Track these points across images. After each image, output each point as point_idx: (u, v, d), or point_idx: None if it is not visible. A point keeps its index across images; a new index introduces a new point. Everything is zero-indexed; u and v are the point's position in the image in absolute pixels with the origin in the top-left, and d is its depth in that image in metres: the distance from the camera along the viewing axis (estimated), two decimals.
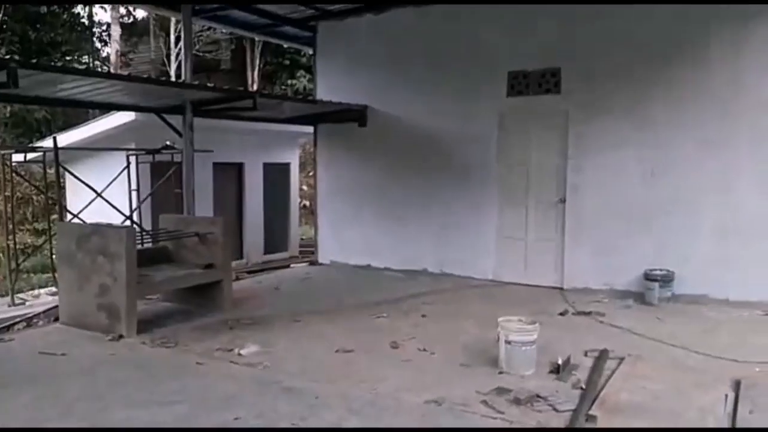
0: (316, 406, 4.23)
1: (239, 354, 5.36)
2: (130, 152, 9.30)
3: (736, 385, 4.59)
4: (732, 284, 7.00)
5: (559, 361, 4.97)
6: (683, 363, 5.19)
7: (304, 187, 15.59)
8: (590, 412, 4.06)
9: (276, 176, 12.33)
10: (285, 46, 16.38)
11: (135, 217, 9.09)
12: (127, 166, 9.28)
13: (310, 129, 10.14)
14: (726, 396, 4.44)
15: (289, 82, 20.31)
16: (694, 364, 5.17)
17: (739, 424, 3.82)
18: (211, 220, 7.65)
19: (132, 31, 21.45)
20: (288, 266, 10.52)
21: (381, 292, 7.75)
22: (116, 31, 20.01)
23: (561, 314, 6.80)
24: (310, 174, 12.95)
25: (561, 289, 7.92)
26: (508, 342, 4.93)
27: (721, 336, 5.99)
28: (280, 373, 4.89)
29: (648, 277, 7.24)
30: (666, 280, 7.18)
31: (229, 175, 11.52)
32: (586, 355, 5.37)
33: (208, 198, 10.53)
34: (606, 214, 7.67)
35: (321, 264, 9.91)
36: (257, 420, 4.04)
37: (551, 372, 4.95)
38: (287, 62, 20.54)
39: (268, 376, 4.86)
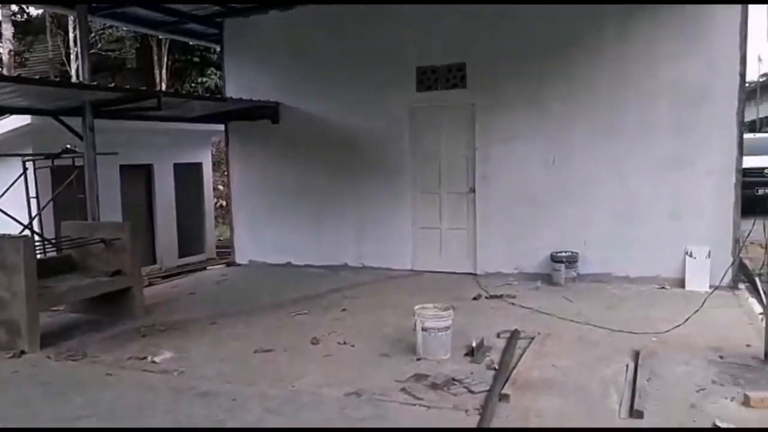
0: (233, 408, 4.18)
1: (152, 362, 5.19)
2: (27, 158, 8.74)
3: (636, 356, 4.93)
4: (631, 262, 7.50)
5: (474, 344, 5.16)
6: (588, 338, 5.51)
7: (220, 187, 15.21)
8: (503, 391, 4.24)
9: (188, 176, 11.94)
10: (191, 43, 15.88)
11: (36, 226, 8.55)
12: (24, 173, 8.71)
13: (222, 127, 9.91)
14: (626, 366, 4.77)
15: (200, 79, 19.71)
16: (598, 338, 5.50)
17: (638, 392, 4.11)
18: (118, 225, 7.33)
19: (27, 30, 20.08)
20: (204, 269, 10.28)
21: (301, 289, 7.72)
22: (8, 29, 18.66)
23: (475, 299, 7.04)
24: (226, 173, 12.66)
25: (475, 274, 8.19)
26: (424, 329, 5.06)
27: (622, 311, 6.40)
28: (196, 378, 4.79)
29: (554, 259, 7.62)
30: (571, 261, 7.58)
31: (138, 177, 11.05)
32: (498, 336, 5.59)
33: (116, 202, 10.07)
34: (513, 201, 8.00)
35: (238, 265, 9.74)
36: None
37: (466, 355, 5.12)
38: (197, 59, 19.92)
39: (183, 381, 4.74)
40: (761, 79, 25.53)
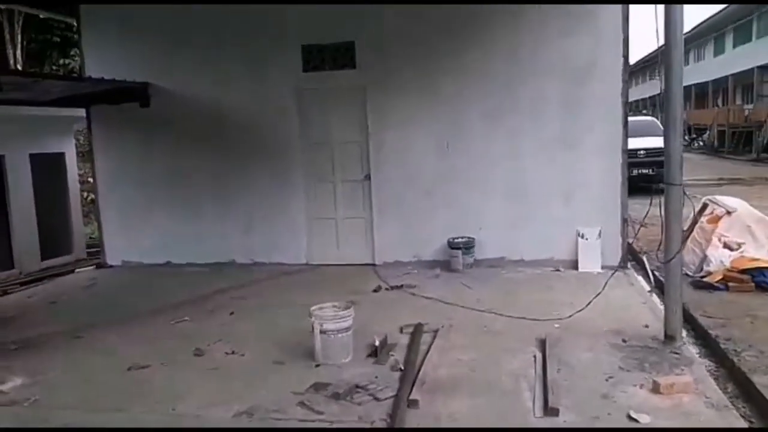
0: None
1: None
2: None
3: (542, 345, 4.78)
4: (525, 245, 7.48)
5: (376, 343, 4.79)
6: (492, 328, 5.32)
7: (90, 179, 13.72)
8: (411, 397, 3.89)
9: (48, 169, 10.56)
10: (44, 17, 14.13)
11: None
12: None
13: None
14: (534, 357, 4.59)
15: (63, 61, 17.79)
16: (501, 327, 5.32)
17: (550, 386, 3.92)
18: None
19: None
20: (73, 271, 9.14)
21: (182, 292, 6.96)
22: None
23: (375, 291, 6.69)
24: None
25: (374, 265, 7.84)
26: (323, 332, 4.60)
27: (521, 296, 6.31)
28: (53, 408, 4.03)
29: (451, 245, 7.44)
30: (467, 246, 7.44)
31: None
32: (401, 331, 5.26)
33: None
34: (409, 187, 7.71)
35: (110, 266, 8.72)
36: None
37: (369, 356, 4.74)
38: (57, 39, 17.93)
39: (35, 414, 3.97)
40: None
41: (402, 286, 6.78)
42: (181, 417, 3.82)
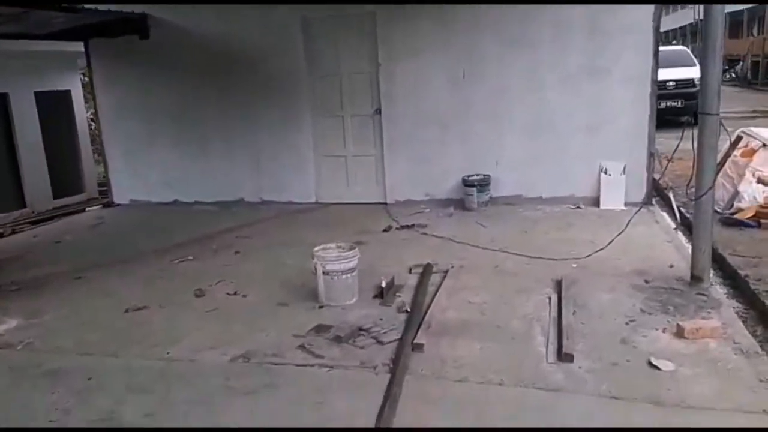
0: (87, 389, 3.37)
1: None
2: None
3: (557, 286, 4.51)
4: (543, 182, 7.09)
5: (383, 284, 4.56)
6: (505, 268, 5.05)
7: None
8: (416, 340, 3.67)
9: (54, 106, 10.29)
10: None
11: None
12: None
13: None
14: (549, 299, 4.33)
15: None
16: (515, 267, 5.05)
17: (565, 330, 3.66)
18: None
19: None
20: (83, 210, 9.03)
21: (188, 231, 6.78)
22: None
23: (385, 230, 6.42)
24: None
25: (384, 204, 7.55)
26: (326, 273, 4.37)
27: (538, 235, 6.00)
28: (47, 352, 3.91)
29: (466, 183, 7.10)
30: (483, 184, 7.09)
31: None
32: (410, 272, 5.03)
33: None
34: (422, 121, 7.30)
35: (118, 205, 8.57)
36: None
37: (375, 297, 4.52)
38: None
39: (28, 357, 3.84)
40: None
41: (413, 225, 6.50)
42: (174, 362, 3.66)
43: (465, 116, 7.16)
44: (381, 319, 4.10)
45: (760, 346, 3.50)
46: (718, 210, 6.15)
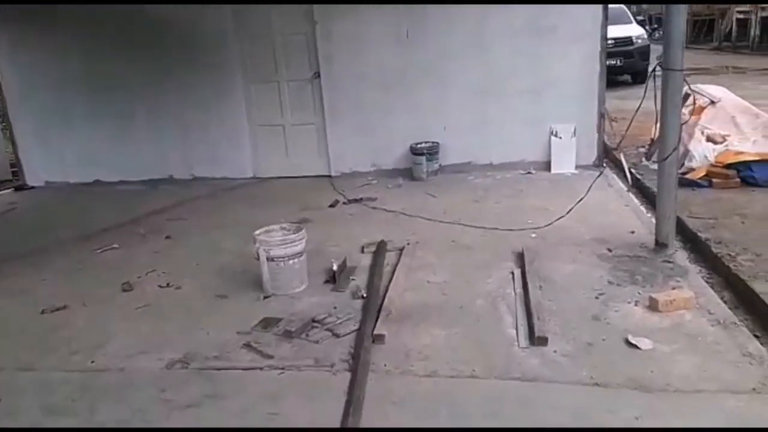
0: None
1: None
2: None
3: (519, 259, 4.26)
4: (493, 148, 6.84)
5: (334, 267, 4.17)
6: (462, 241, 4.76)
7: None
8: (376, 331, 3.32)
9: None
10: None
11: None
12: None
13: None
14: (512, 273, 4.06)
15: None
16: (472, 241, 4.76)
17: (534, 309, 3.40)
18: None
19: None
20: None
21: (112, 215, 6.14)
22: None
23: (331, 206, 6.01)
24: None
25: (329, 176, 7.11)
26: (270, 259, 3.93)
27: (491, 204, 5.74)
28: None
29: (414, 151, 6.74)
30: (431, 152, 6.75)
31: None
32: (363, 251, 4.67)
33: None
34: (365, 85, 6.84)
35: (32, 188, 7.75)
36: None
37: (327, 282, 4.14)
38: None
39: None
40: None
41: (361, 198, 6.11)
42: (101, 372, 3.17)
43: (410, 79, 6.76)
44: (335, 308, 3.73)
45: (736, 316, 3.34)
46: None
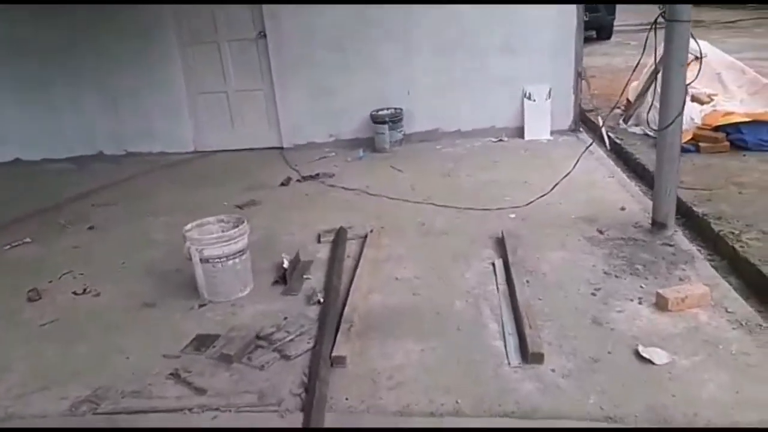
0: None
1: None
2: None
3: (499, 246, 3.68)
4: (461, 113, 6.23)
5: (285, 263, 3.52)
6: (433, 226, 4.16)
7: None
8: (335, 353, 2.70)
9: None
10: None
11: None
12: None
13: None
14: (493, 265, 3.49)
15: None
16: (444, 224, 4.16)
17: (524, 313, 2.83)
18: None
19: None
20: None
21: (30, 201, 5.32)
22: None
23: (283, 184, 5.31)
24: None
25: (280, 149, 6.37)
26: (204, 260, 3.25)
27: (462, 178, 5.14)
28: None
29: (375, 119, 6.05)
30: (395, 119, 6.07)
31: None
32: (319, 240, 4.03)
33: None
34: (317, 44, 6.05)
35: None
36: None
37: (276, 282, 3.49)
38: None
39: None
40: None
41: (317, 175, 5.42)
42: None
43: (368, 36, 6.02)
44: (285, 318, 3.09)
45: (759, 316, 2.83)
46: (649, 134, 5.56)
